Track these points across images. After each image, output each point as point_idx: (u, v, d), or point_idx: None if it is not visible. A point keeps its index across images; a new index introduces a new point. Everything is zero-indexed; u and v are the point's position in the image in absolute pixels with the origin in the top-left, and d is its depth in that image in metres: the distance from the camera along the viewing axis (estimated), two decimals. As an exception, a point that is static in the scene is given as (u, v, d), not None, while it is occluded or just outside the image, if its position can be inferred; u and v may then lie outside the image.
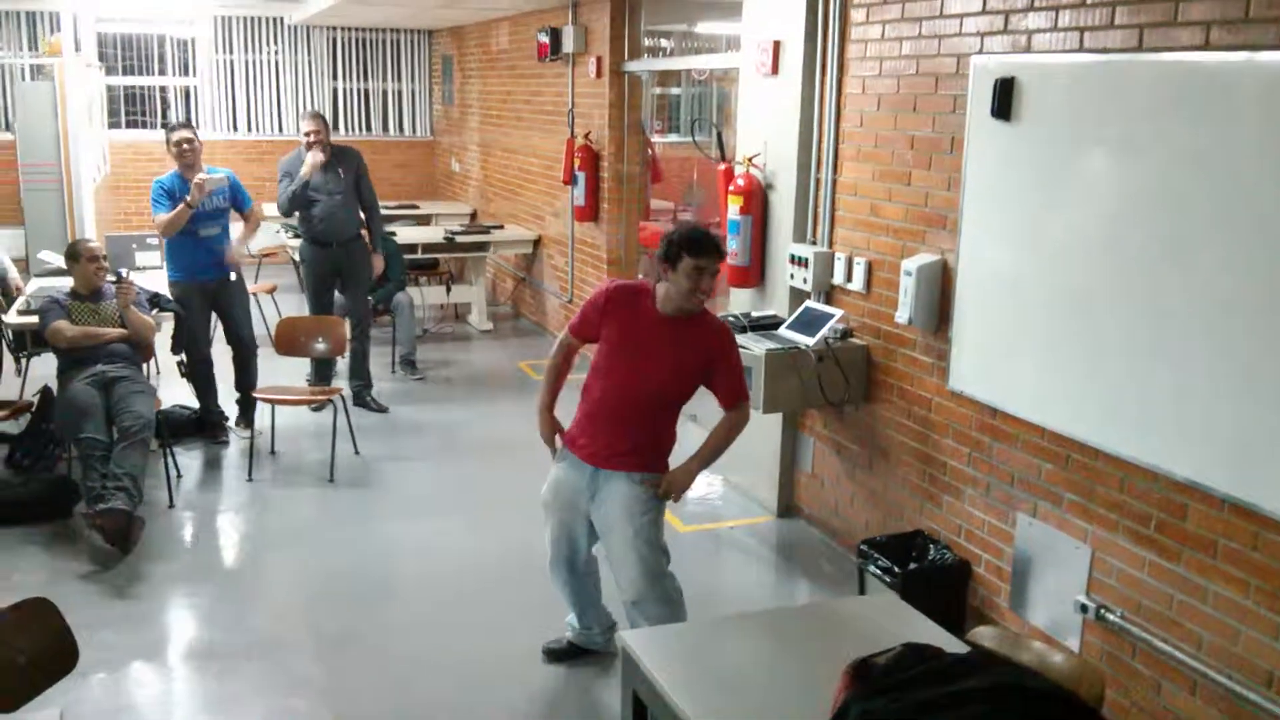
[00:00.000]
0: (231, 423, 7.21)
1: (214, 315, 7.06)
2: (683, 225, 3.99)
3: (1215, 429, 3.51)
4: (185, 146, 6.71)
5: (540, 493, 4.31)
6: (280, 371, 7.62)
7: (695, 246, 3.86)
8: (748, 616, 3.91)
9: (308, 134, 7.55)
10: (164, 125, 12.58)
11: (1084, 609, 4.09)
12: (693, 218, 8.63)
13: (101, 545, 5.38)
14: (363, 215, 7.83)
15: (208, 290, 6.92)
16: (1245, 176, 3.36)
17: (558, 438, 4.26)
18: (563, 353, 4.28)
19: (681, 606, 4.20)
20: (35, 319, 6.20)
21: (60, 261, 7.63)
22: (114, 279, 6.17)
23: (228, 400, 7.21)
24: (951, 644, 2.99)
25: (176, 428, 6.83)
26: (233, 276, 7.03)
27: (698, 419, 7.49)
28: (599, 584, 4.49)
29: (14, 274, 7.41)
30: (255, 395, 6.76)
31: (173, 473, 6.26)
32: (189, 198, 6.59)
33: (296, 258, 7.90)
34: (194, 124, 13.02)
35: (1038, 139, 4.15)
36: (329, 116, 13.80)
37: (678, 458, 4.20)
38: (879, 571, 4.72)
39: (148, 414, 5.80)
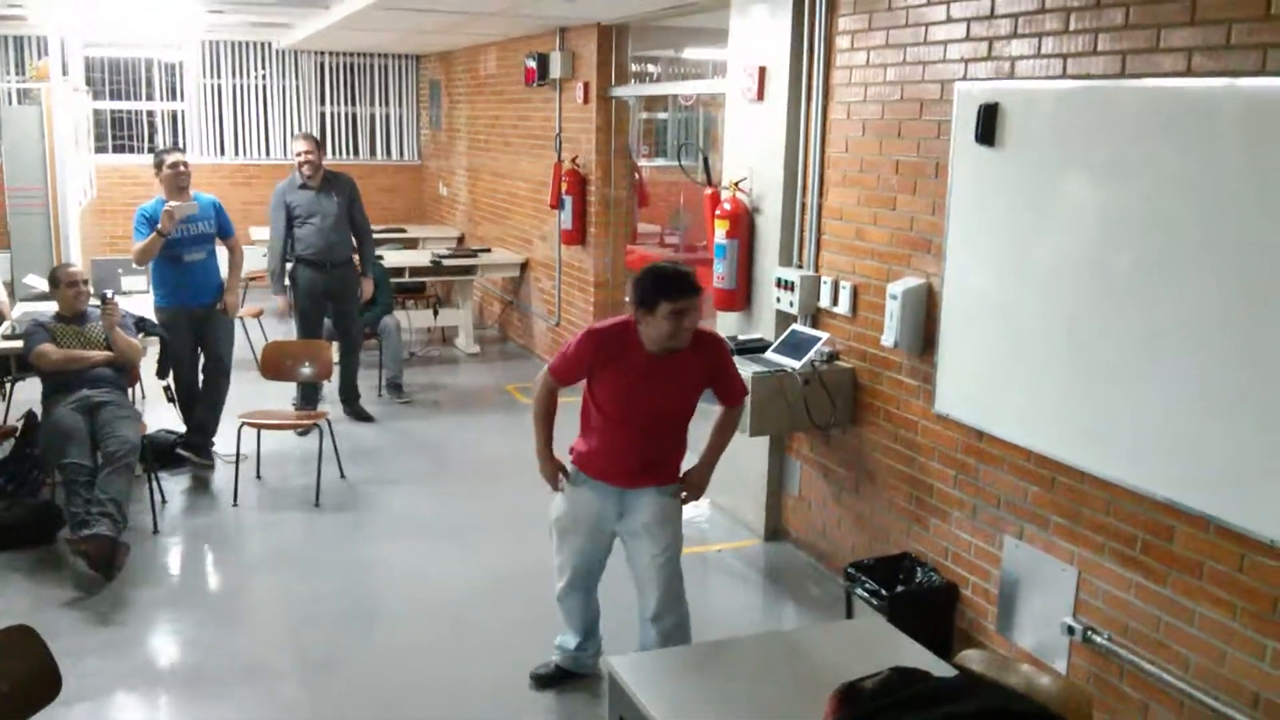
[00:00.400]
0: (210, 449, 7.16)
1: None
2: (651, 268, 3.89)
3: (1202, 451, 3.52)
4: (182, 169, 6.69)
5: (551, 516, 4.29)
6: (266, 396, 7.59)
7: (670, 290, 3.76)
8: (735, 641, 3.91)
9: (299, 154, 7.64)
10: (152, 150, 12.60)
11: (1071, 631, 4.10)
12: (679, 241, 8.65)
13: (86, 571, 5.34)
14: (355, 240, 7.94)
15: (194, 317, 6.89)
16: (1228, 200, 3.39)
17: (566, 469, 4.22)
18: (549, 397, 4.16)
19: (689, 624, 4.27)
20: (20, 343, 6.17)
21: (45, 286, 7.62)
22: (99, 301, 6.15)
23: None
24: (939, 667, 2.99)
25: (161, 453, 6.80)
26: (219, 306, 6.99)
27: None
28: (599, 609, 4.50)
29: (2, 297, 7.38)
30: (243, 419, 6.72)
31: (157, 498, 6.23)
32: (160, 225, 6.54)
33: (286, 281, 7.96)
34: (181, 148, 13.10)
35: (1022, 164, 4.18)
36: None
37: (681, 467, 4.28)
38: (866, 594, 4.72)
39: (133, 439, 5.78)
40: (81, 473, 5.56)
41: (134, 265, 7.08)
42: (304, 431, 7.47)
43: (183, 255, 6.76)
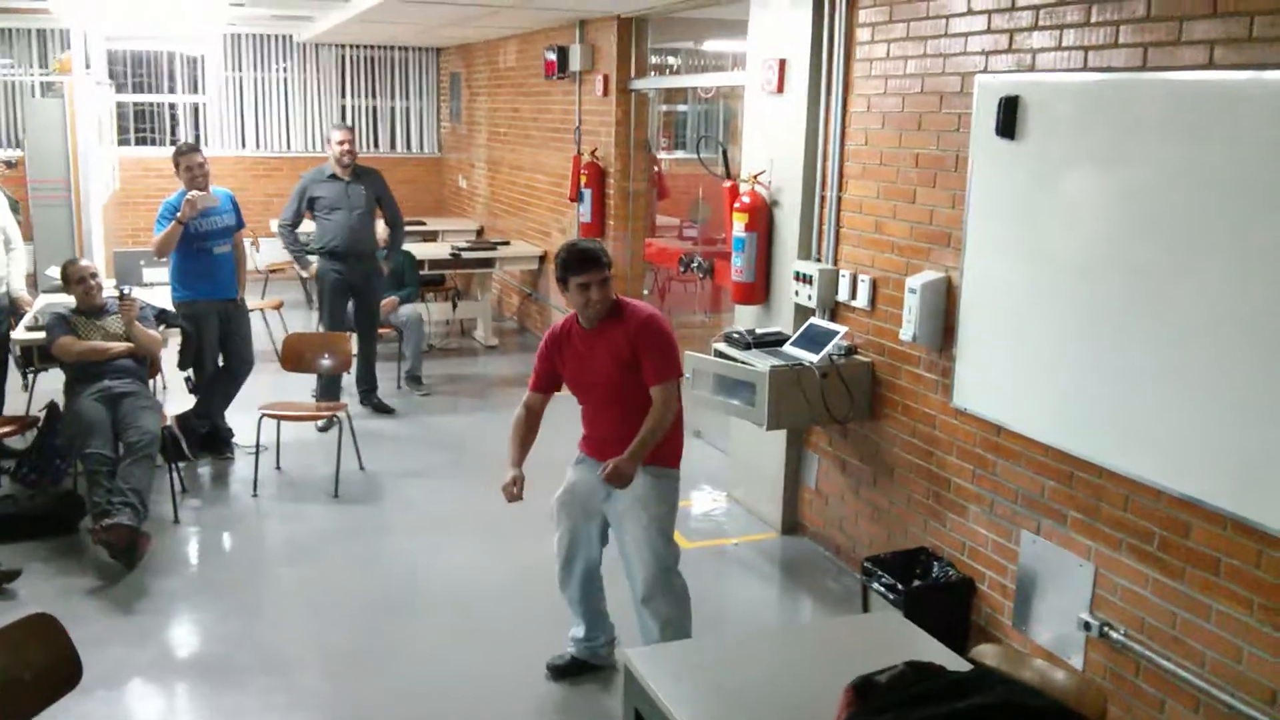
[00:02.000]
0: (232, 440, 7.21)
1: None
2: (563, 248, 4.18)
3: (1219, 446, 3.51)
4: (198, 171, 6.73)
5: (552, 498, 4.39)
6: (287, 388, 7.63)
7: (574, 266, 4.08)
8: (751, 634, 3.92)
9: (341, 143, 7.73)
10: (174, 143, 12.68)
11: (1087, 627, 4.08)
12: (698, 234, 8.65)
13: (107, 560, 5.39)
14: (384, 231, 8.21)
15: (220, 310, 6.95)
16: (1250, 194, 3.36)
17: (519, 488, 4.24)
18: (525, 411, 4.36)
19: (689, 608, 4.28)
20: (42, 335, 6.22)
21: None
22: (117, 296, 6.19)
23: (234, 417, 7.22)
24: (954, 662, 2.98)
25: (188, 433, 6.80)
26: (239, 299, 7.07)
27: (701, 434, 7.52)
28: (604, 594, 4.53)
29: (23, 290, 7.37)
30: (262, 411, 6.75)
31: (178, 488, 6.27)
32: (179, 214, 6.60)
33: (301, 273, 8.04)
34: (202, 142, 13.19)
35: (1042, 157, 4.16)
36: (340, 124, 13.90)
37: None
38: (882, 589, 4.72)
39: (153, 429, 5.82)
40: (103, 463, 5.61)
41: (155, 257, 7.09)
42: (324, 426, 7.51)
43: (212, 248, 6.83)
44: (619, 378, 4.15)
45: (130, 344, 6.11)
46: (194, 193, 6.64)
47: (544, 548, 4.41)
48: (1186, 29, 3.60)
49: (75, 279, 6.23)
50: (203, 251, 6.80)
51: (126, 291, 6.23)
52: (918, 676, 2.59)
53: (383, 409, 8.17)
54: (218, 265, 6.90)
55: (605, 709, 4.37)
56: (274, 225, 10.88)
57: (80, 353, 5.99)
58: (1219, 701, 3.58)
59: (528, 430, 4.36)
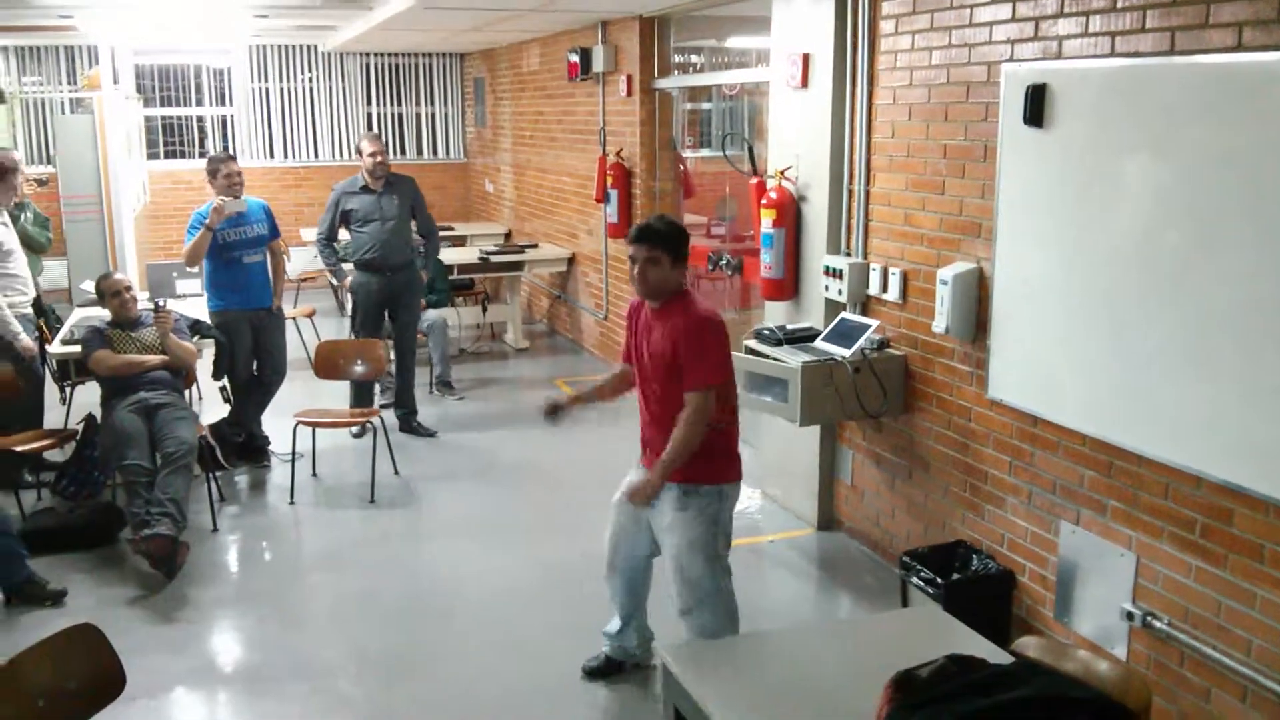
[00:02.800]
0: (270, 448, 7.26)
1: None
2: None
3: (1259, 432, 3.47)
4: (236, 179, 6.81)
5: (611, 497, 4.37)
6: (321, 395, 7.67)
7: (631, 235, 4.12)
8: (790, 630, 3.90)
9: (373, 154, 7.57)
10: (204, 155, 12.79)
11: (1130, 617, 4.05)
12: (726, 232, 8.64)
13: (147, 570, 5.44)
14: (419, 241, 8.08)
15: (253, 320, 6.99)
16: (1283, 176, 3.33)
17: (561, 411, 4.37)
18: (619, 370, 4.43)
19: (735, 621, 4.21)
20: (78, 348, 6.28)
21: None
22: (152, 308, 6.24)
23: (270, 424, 7.26)
24: (996, 655, 2.97)
25: (224, 442, 6.84)
26: (274, 307, 7.12)
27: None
28: (647, 595, 4.50)
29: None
30: (297, 418, 6.80)
31: (216, 497, 6.32)
32: (208, 220, 6.67)
33: (334, 282, 8.02)
34: (233, 154, 13.30)
35: (1071, 145, 4.13)
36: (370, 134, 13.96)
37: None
38: (921, 583, 4.69)
39: (190, 440, 5.86)
40: (141, 474, 5.65)
41: (186, 267, 7.14)
42: (359, 433, 7.54)
43: (242, 257, 6.88)
44: (661, 366, 4.07)
45: (165, 356, 6.16)
46: (220, 198, 6.69)
47: (579, 551, 4.42)
48: (1214, 11, 3.56)
49: (110, 292, 6.27)
50: (233, 261, 6.85)
51: (161, 304, 6.26)
52: (959, 670, 2.58)
53: (423, 432, 7.89)
54: (249, 274, 6.94)
55: (641, 709, 4.38)
56: (305, 235, 10.97)
57: (115, 367, 6.04)
58: (1267, 689, 3.54)
59: (610, 388, 4.43)
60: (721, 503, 4.14)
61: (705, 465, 4.07)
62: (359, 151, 7.67)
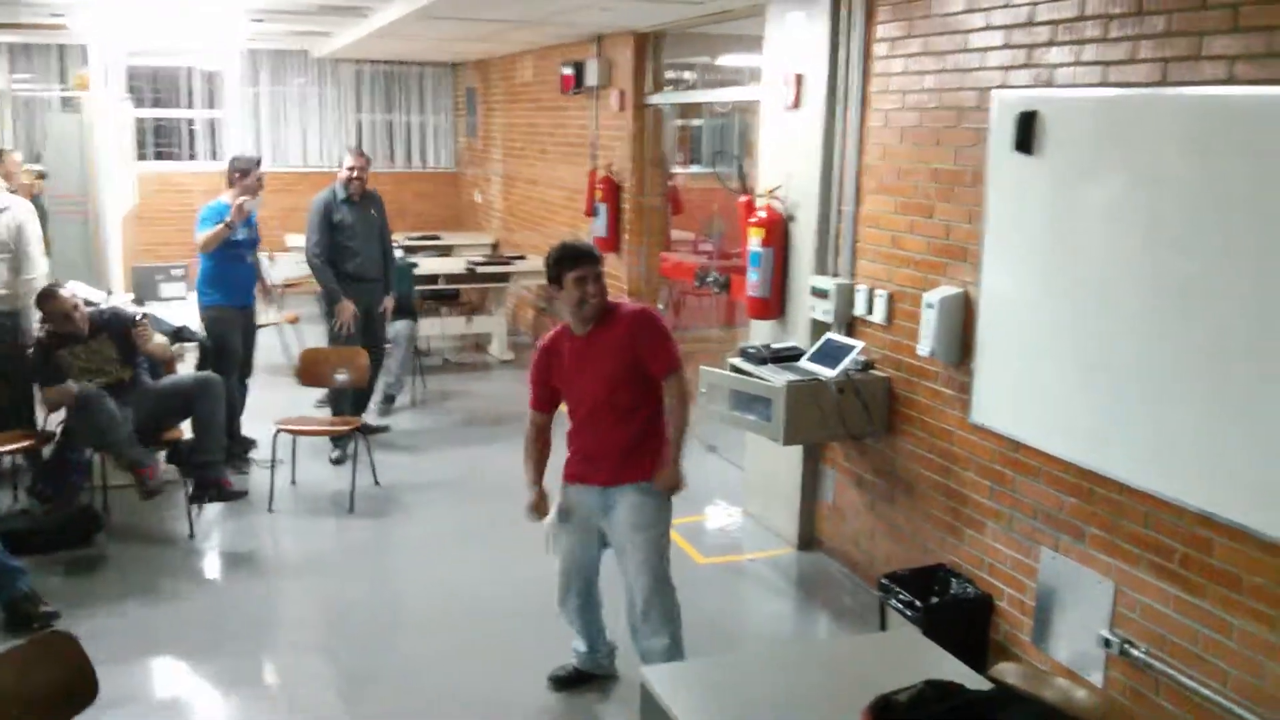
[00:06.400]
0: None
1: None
2: (554, 248, 4.16)
3: (1241, 462, 3.48)
4: (264, 181, 7.14)
5: (544, 524, 4.35)
6: (305, 403, 7.64)
7: (570, 261, 4.06)
8: (768, 651, 3.90)
9: (353, 169, 7.41)
10: (194, 158, 12.80)
11: (1108, 644, 4.05)
12: (713, 249, 8.65)
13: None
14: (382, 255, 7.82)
15: (243, 315, 7.18)
16: (1270, 211, 3.34)
17: (548, 507, 4.36)
18: (533, 432, 4.39)
19: (680, 623, 4.28)
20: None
21: (86, 293, 7.70)
22: (131, 320, 6.05)
23: (249, 431, 7.23)
24: (974, 680, 2.96)
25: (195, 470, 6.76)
26: (252, 306, 7.36)
27: (717, 449, 7.50)
28: (602, 609, 4.55)
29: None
30: (278, 426, 6.76)
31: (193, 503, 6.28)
32: (229, 218, 6.79)
33: (326, 304, 7.69)
34: (219, 157, 13.33)
35: (1060, 173, 4.14)
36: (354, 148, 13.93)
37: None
38: (900, 606, 4.69)
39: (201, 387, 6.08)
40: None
41: (198, 251, 7.06)
42: (339, 458, 7.29)
43: (244, 255, 7.10)
44: (619, 381, 4.10)
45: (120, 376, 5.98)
46: (242, 198, 6.86)
47: (551, 563, 4.42)
48: (1206, 44, 3.58)
49: (62, 314, 5.85)
50: (237, 259, 7.04)
51: (140, 319, 6.09)
52: (937, 695, 2.58)
53: (370, 430, 7.67)
54: (246, 274, 7.19)
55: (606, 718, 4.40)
56: (290, 241, 10.89)
57: (63, 398, 5.77)
58: (1241, 721, 3.55)
59: (540, 448, 4.40)
60: (670, 500, 4.28)
61: (656, 461, 4.19)
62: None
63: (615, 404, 4.15)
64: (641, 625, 4.24)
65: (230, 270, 7.02)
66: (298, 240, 11.66)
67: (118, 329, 6.04)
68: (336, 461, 7.33)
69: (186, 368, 6.88)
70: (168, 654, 4.85)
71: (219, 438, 6.18)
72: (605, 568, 4.44)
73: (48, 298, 5.93)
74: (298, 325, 10.03)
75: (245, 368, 7.30)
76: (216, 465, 6.18)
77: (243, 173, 7.00)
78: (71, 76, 12.44)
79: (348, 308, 7.37)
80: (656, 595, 4.19)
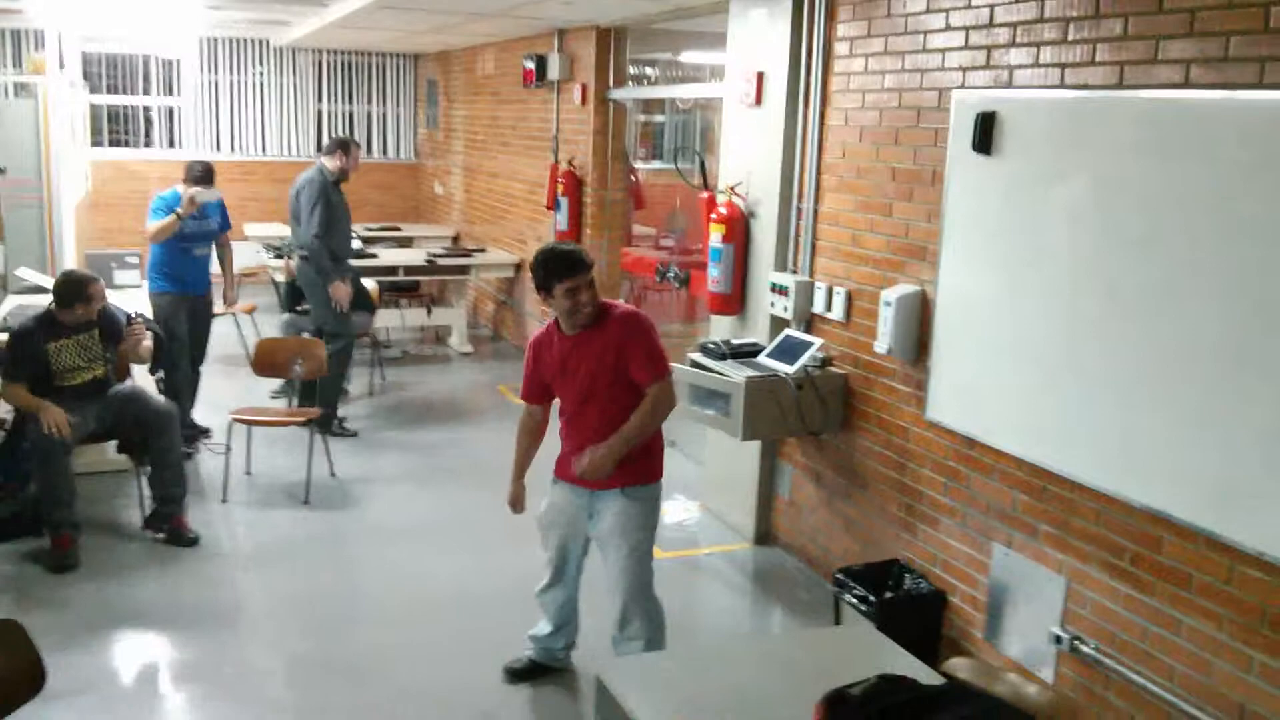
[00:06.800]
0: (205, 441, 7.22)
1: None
2: (541, 253, 4.08)
3: (1192, 462, 3.53)
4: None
5: (537, 516, 4.39)
6: (260, 391, 7.58)
7: (560, 271, 3.98)
8: (723, 645, 3.91)
9: (357, 156, 7.74)
10: (147, 146, 12.62)
11: (1058, 640, 4.10)
12: (675, 244, 8.66)
13: (74, 565, 5.41)
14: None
15: (192, 304, 7.16)
16: (1225, 214, 3.39)
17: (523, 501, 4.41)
18: (527, 420, 4.42)
19: (663, 629, 4.29)
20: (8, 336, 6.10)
21: (38, 279, 7.61)
22: (126, 321, 5.89)
23: (205, 419, 7.18)
24: (926, 675, 2.98)
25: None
26: (207, 296, 7.32)
27: (676, 444, 7.52)
28: (577, 598, 4.54)
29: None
30: (233, 416, 6.71)
31: (144, 493, 6.20)
32: (180, 209, 6.85)
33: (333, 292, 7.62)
34: (177, 145, 13.20)
35: (1018, 173, 4.18)
36: (313, 137, 13.87)
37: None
38: (855, 600, 4.72)
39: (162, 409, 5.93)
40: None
41: (148, 240, 7.07)
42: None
43: (193, 249, 7.09)
44: (604, 384, 4.07)
45: (63, 417, 5.47)
46: (194, 189, 6.87)
47: (514, 554, 4.45)
48: (1163, 48, 3.63)
49: (98, 297, 5.67)
50: (185, 252, 7.06)
51: (135, 316, 5.96)
52: (891, 690, 2.59)
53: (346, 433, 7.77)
54: (195, 265, 7.15)
55: (564, 712, 4.40)
56: (249, 230, 10.79)
57: (25, 406, 5.57)
58: (1188, 716, 3.59)
59: (530, 441, 4.42)
60: (659, 500, 4.27)
61: (647, 464, 4.18)
62: (353, 145, 7.61)
63: (601, 407, 4.10)
64: (620, 630, 4.24)
65: (179, 262, 7.04)
66: (257, 229, 11.58)
67: (109, 325, 5.84)
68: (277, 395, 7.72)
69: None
70: (118, 646, 4.80)
71: (179, 472, 5.90)
72: (590, 564, 4.42)
73: (89, 282, 5.70)
74: (254, 314, 9.94)
75: (198, 353, 7.33)
76: (178, 503, 5.89)
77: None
78: (26, 61, 12.26)
79: (341, 288, 7.53)
80: (636, 602, 4.18)
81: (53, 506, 5.52)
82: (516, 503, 4.42)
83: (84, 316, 5.68)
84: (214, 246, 7.35)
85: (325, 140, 8.27)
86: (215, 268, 7.43)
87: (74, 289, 5.64)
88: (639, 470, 4.15)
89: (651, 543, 4.24)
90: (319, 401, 7.28)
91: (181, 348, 7.08)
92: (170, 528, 5.84)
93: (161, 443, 5.84)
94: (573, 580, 4.44)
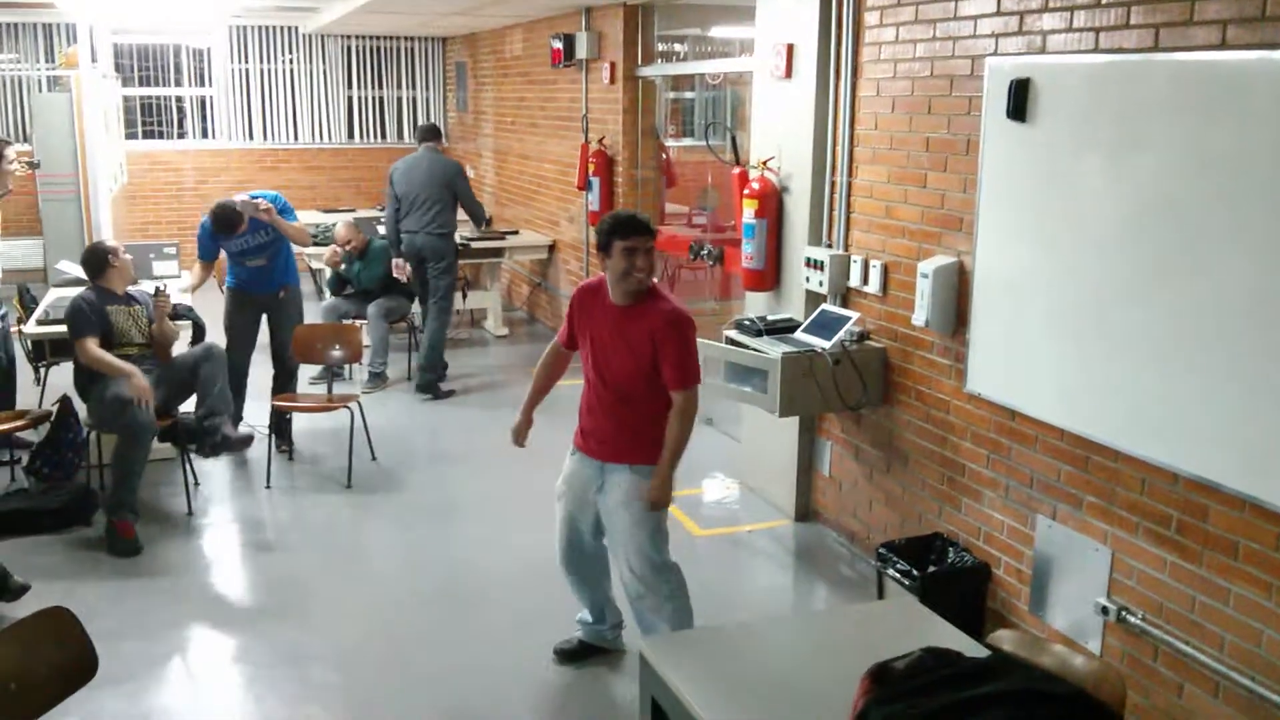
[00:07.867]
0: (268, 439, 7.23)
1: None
2: (609, 215, 4.13)
3: (1236, 429, 3.48)
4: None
5: (555, 485, 4.42)
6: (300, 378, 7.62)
7: (623, 229, 3.99)
8: (766, 621, 3.91)
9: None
10: (180, 137, 12.67)
11: (1105, 611, 4.07)
12: (707, 221, 8.63)
13: (120, 554, 5.47)
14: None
15: (259, 301, 7.07)
16: (1263, 176, 3.33)
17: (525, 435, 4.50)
18: (550, 356, 4.47)
19: (687, 601, 4.29)
20: (51, 329, 6.18)
21: (78, 271, 7.67)
22: (153, 292, 6.09)
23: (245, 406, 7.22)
24: (971, 648, 2.97)
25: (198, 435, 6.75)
26: (281, 295, 7.11)
27: (713, 422, 7.51)
28: (609, 580, 4.54)
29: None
30: (274, 403, 6.77)
31: (190, 480, 6.27)
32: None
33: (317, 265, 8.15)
34: (210, 135, 13.27)
35: (1054, 140, 4.13)
36: (344, 124, 13.93)
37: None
38: (898, 575, 4.70)
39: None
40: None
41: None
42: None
43: (245, 261, 6.98)
44: (630, 373, 4.08)
45: (132, 369, 5.77)
46: (241, 197, 6.81)
47: (551, 536, 4.43)
48: (1199, 9, 3.57)
49: (113, 256, 6.04)
50: (239, 263, 6.99)
51: (163, 288, 6.14)
52: (935, 663, 2.58)
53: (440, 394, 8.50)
54: (251, 273, 7.00)
55: (613, 693, 4.40)
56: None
57: (92, 360, 5.77)
58: (1238, 685, 3.56)
59: (547, 377, 4.48)
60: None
61: (655, 449, 4.15)
62: (443, 134, 8.32)
63: (623, 393, 4.12)
64: (637, 605, 4.27)
65: (236, 268, 7.01)
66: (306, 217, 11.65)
67: (146, 299, 6.17)
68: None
69: (181, 346, 6.85)
70: (166, 632, 4.85)
71: (225, 397, 6.11)
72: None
73: (111, 251, 6.13)
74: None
75: (277, 360, 7.15)
76: (224, 421, 6.08)
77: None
78: (58, 55, 12.36)
79: (405, 264, 8.60)
80: (646, 577, 4.19)
81: (126, 491, 5.63)
82: (519, 434, 4.47)
83: (126, 273, 6.11)
84: (272, 254, 7.00)
85: (421, 128, 8.94)
86: (299, 263, 7.44)
87: (99, 255, 6.08)
88: (646, 453, 4.14)
89: (660, 518, 4.22)
90: (423, 363, 8.45)
91: (234, 339, 6.98)
92: (222, 440, 6.06)
93: (207, 370, 6.03)
94: (581, 558, 4.43)
